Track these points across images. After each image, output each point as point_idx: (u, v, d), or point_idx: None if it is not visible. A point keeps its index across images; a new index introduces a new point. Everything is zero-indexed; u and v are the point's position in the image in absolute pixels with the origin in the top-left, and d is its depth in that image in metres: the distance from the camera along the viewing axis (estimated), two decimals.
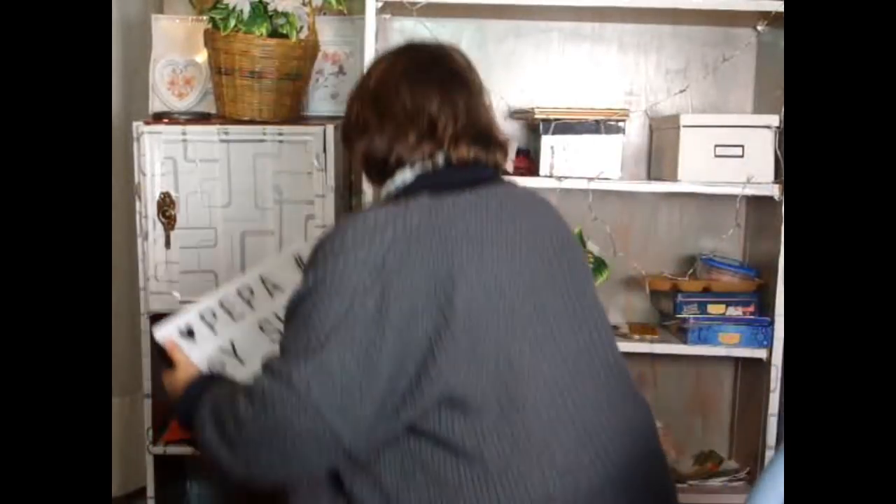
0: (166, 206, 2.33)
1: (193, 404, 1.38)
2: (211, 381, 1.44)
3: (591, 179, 2.34)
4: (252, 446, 1.24)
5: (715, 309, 2.39)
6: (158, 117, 2.43)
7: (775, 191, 2.29)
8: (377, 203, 1.44)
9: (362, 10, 2.28)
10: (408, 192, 1.38)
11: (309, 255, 1.33)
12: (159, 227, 2.32)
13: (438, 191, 1.35)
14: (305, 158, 2.31)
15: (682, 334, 2.41)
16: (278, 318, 1.62)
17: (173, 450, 2.44)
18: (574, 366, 1.36)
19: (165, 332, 1.59)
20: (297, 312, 1.27)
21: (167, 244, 2.33)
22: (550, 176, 2.35)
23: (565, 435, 1.31)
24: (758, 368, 2.41)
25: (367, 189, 2.29)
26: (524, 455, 1.27)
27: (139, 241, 2.34)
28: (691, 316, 2.38)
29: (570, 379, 1.35)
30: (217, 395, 1.36)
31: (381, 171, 1.44)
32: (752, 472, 2.43)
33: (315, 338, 1.22)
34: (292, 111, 2.41)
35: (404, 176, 1.40)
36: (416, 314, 1.24)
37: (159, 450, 2.42)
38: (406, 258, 1.25)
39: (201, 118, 2.41)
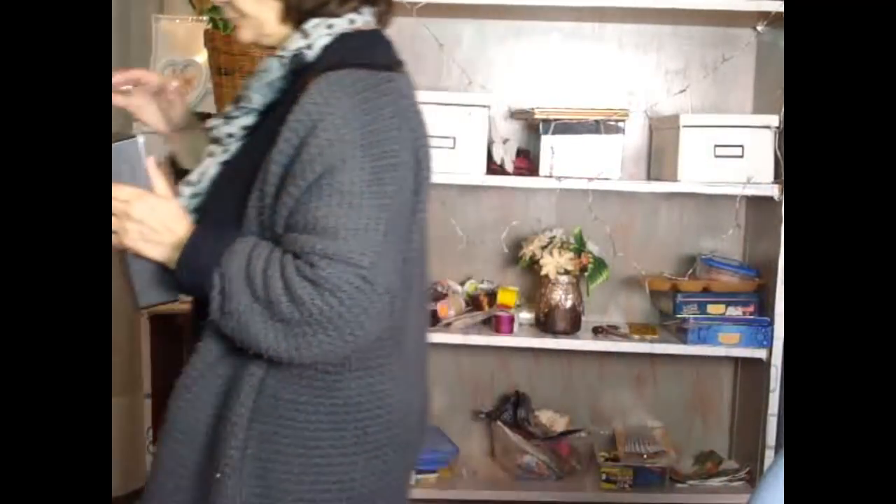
0: None
1: (213, 261, 1.21)
2: (229, 236, 1.23)
3: (591, 179, 2.34)
4: (312, 328, 1.18)
5: (715, 309, 2.39)
6: None
7: (775, 191, 2.29)
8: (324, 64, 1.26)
9: None
10: (350, 53, 1.27)
11: (310, 121, 1.20)
12: None
13: (377, 63, 1.27)
14: None
15: (681, 334, 2.41)
16: None
17: None
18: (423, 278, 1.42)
19: (143, 144, 1.30)
20: (335, 185, 1.18)
21: None
22: (550, 176, 2.35)
23: (422, 340, 1.43)
24: (758, 368, 2.41)
25: None
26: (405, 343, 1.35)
27: None
28: (691, 316, 2.38)
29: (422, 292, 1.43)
30: (250, 262, 1.20)
31: (298, 20, 1.30)
32: (752, 473, 2.43)
33: (375, 222, 1.19)
34: None
35: (336, 29, 1.29)
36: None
37: None
38: (402, 135, 1.24)
39: (201, 118, 2.41)
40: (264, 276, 1.18)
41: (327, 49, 1.28)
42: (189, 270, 1.24)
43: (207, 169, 1.33)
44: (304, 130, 1.19)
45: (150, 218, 1.26)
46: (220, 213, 1.29)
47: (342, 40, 1.29)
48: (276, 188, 1.22)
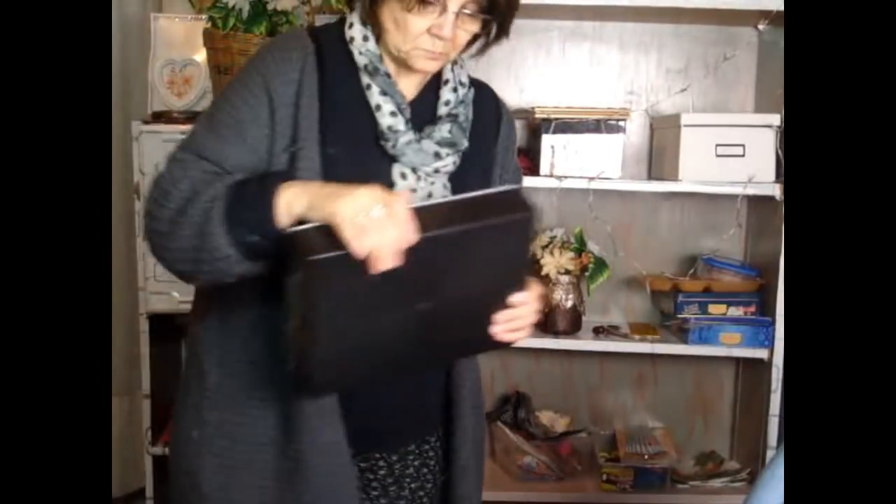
0: None
1: None
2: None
3: (591, 179, 2.33)
4: None
5: (716, 309, 2.38)
6: (157, 117, 2.42)
7: (776, 190, 2.29)
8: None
9: None
10: None
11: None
12: None
13: None
14: None
15: (682, 334, 2.41)
16: None
17: None
18: None
19: None
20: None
21: None
22: (551, 175, 2.34)
23: None
24: (759, 369, 2.41)
25: None
26: None
27: (138, 241, 2.33)
28: (692, 316, 2.38)
29: None
30: None
31: None
32: (753, 473, 2.42)
33: None
34: None
35: None
36: None
37: (158, 450, 2.41)
38: None
39: None
40: None
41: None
42: None
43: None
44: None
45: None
46: None
47: None
48: None
